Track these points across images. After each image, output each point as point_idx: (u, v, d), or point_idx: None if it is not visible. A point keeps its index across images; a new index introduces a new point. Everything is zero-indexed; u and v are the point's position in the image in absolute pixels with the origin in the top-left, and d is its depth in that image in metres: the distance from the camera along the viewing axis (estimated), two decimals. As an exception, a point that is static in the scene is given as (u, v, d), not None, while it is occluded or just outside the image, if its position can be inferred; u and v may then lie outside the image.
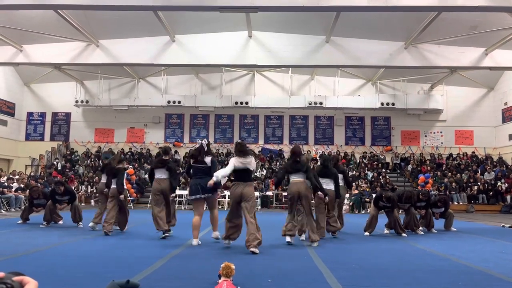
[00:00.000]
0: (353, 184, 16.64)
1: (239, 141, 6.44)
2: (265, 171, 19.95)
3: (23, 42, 15.41)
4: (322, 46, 14.75)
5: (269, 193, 17.96)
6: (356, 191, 17.00)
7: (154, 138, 22.46)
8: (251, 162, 6.06)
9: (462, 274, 4.52)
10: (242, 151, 6.08)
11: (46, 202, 9.26)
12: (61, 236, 7.27)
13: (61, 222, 9.39)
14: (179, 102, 21.26)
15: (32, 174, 19.83)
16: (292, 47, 14.79)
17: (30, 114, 22.69)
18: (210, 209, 6.82)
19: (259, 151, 21.73)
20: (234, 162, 6.01)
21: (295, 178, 6.58)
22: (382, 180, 18.88)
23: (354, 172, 19.68)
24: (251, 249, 5.60)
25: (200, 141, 6.66)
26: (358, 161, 21.33)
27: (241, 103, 21.08)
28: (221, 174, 6.02)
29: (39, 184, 12.99)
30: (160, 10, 12.58)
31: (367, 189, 17.66)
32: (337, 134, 22.31)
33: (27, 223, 9.49)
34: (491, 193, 18.25)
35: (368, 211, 14.78)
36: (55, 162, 21.03)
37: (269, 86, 21.80)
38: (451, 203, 16.10)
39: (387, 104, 20.79)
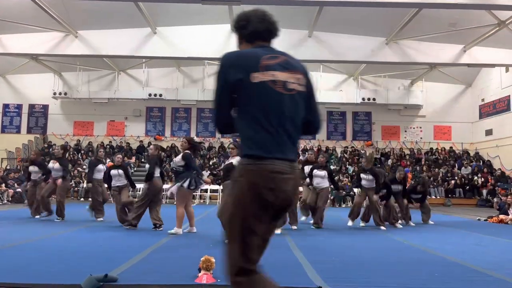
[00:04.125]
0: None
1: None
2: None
3: (-2, 31, 14.95)
4: (305, 41, 14.76)
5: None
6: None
7: (135, 132, 22.16)
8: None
9: (439, 266, 4.61)
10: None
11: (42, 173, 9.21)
12: (38, 231, 7.12)
13: (38, 216, 9.20)
14: (160, 95, 21.02)
15: (8, 167, 19.34)
16: (274, 41, 14.73)
17: (6, 106, 22.07)
18: (188, 205, 7.09)
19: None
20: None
21: None
22: (362, 175, 19.08)
23: (335, 166, 19.86)
24: None
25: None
26: (339, 155, 21.53)
27: (224, 96, 20.95)
28: None
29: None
30: (141, 1, 12.36)
31: (348, 184, 17.84)
32: (319, 128, 22.41)
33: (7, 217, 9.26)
34: (468, 187, 18.68)
35: (349, 205, 14.99)
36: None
37: (251, 80, 21.72)
38: (429, 197, 16.46)
39: (368, 99, 21.01)
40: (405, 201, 9.27)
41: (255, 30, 2.10)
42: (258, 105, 1.93)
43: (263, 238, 1.94)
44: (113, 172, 8.21)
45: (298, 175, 2.03)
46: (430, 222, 9.63)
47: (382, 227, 8.28)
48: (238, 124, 1.97)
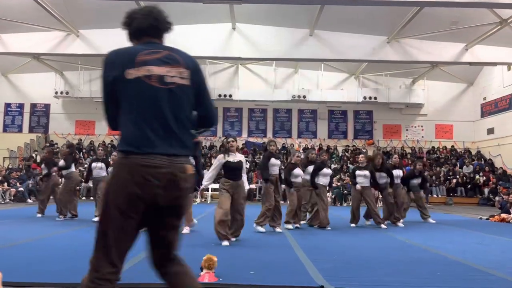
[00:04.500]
0: (335, 176, 16.79)
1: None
2: (248, 164, 19.94)
3: (0, 31, 14.95)
4: (306, 40, 14.75)
5: (252, 186, 17.95)
6: (338, 183, 17.16)
7: (136, 131, 22.16)
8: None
9: (441, 265, 4.61)
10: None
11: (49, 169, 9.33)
12: (39, 230, 7.12)
13: (40, 215, 9.23)
14: (161, 94, 20.98)
15: (10, 166, 19.38)
16: (276, 40, 14.74)
17: (8, 105, 22.11)
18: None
19: (242, 144, 21.70)
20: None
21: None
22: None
23: (337, 165, 19.84)
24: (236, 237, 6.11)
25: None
26: (340, 154, 21.51)
27: (225, 95, 20.93)
28: None
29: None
30: (142, 0, 12.36)
31: (349, 182, 17.80)
32: (320, 127, 22.42)
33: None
34: (469, 186, 18.65)
35: (350, 204, 14.94)
36: (34, 155, 20.59)
37: (253, 79, 21.71)
38: (430, 195, 16.44)
39: (370, 98, 20.96)
40: (403, 191, 9.26)
41: (138, 27, 2.12)
42: (133, 101, 1.95)
43: (129, 232, 2.02)
44: (109, 170, 8.51)
45: (181, 169, 1.96)
46: (432, 220, 9.61)
47: (383, 226, 8.27)
48: (119, 121, 2.00)
